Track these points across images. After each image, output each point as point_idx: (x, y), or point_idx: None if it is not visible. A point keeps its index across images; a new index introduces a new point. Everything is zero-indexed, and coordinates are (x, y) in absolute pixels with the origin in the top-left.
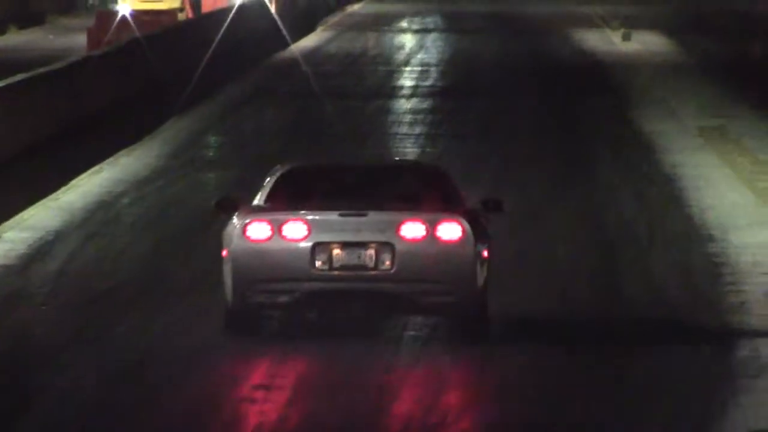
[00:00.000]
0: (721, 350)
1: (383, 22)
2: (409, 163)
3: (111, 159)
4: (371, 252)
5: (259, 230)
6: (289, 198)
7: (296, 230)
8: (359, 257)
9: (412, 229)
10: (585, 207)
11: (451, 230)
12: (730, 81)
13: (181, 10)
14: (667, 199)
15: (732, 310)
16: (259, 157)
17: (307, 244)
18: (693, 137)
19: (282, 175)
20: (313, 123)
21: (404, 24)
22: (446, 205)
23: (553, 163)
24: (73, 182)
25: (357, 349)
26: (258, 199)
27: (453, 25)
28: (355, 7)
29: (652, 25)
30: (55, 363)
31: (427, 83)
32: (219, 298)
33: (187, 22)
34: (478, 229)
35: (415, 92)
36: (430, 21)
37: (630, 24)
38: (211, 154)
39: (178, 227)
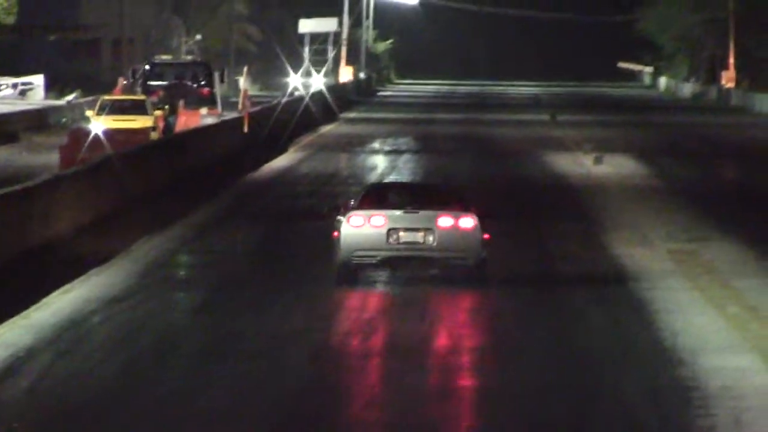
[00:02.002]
0: None
1: (355, 143)
2: (442, 184)
3: (82, 277)
4: (422, 234)
5: (356, 220)
6: (372, 202)
7: (378, 221)
8: (414, 237)
9: (445, 221)
10: (556, 331)
11: (467, 222)
12: (700, 205)
13: (154, 129)
14: (637, 322)
15: None
16: (230, 277)
17: (384, 229)
18: (664, 261)
19: (367, 190)
20: (285, 244)
21: (376, 145)
22: (464, 208)
23: (524, 287)
24: (44, 300)
25: (409, 290)
26: (353, 204)
27: (425, 146)
28: (328, 128)
29: (623, 149)
30: None
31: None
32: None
33: (160, 141)
34: (482, 223)
35: None
36: (402, 142)
37: (602, 148)
38: (182, 273)
39: (148, 347)
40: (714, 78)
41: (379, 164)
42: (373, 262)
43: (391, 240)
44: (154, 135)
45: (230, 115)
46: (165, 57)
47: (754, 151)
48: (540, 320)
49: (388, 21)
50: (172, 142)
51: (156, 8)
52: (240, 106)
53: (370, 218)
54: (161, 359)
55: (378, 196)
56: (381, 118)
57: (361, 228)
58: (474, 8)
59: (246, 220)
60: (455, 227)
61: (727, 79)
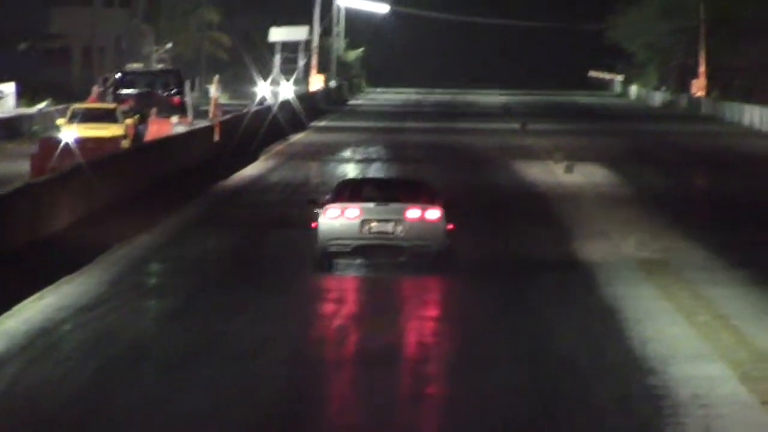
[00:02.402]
0: None
1: (326, 152)
2: (410, 179)
3: (53, 285)
4: (391, 224)
5: (332, 212)
6: (348, 194)
7: (352, 213)
8: (385, 227)
9: (413, 213)
10: (525, 339)
11: (433, 214)
12: (670, 213)
13: (125, 137)
14: (607, 331)
15: None
16: (202, 284)
17: (358, 220)
18: (634, 270)
19: (341, 185)
20: (256, 252)
21: (347, 153)
22: (430, 200)
23: (493, 296)
24: (15, 308)
25: (379, 274)
26: (330, 197)
27: (396, 154)
28: (299, 136)
29: (594, 157)
30: None
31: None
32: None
33: (131, 150)
34: (446, 214)
35: None
36: (373, 151)
37: (572, 156)
38: (153, 281)
39: (120, 354)
40: (684, 87)
41: (349, 173)
42: (347, 250)
43: (363, 230)
44: (124, 143)
45: (201, 124)
46: (136, 65)
47: (724, 160)
48: (508, 329)
49: (358, 29)
50: (143, 151)
51: (126, 16)
52: (211, 115)
53: (344, 210)
54: (133, 366)
55: (351, 190)
56: (352, 126)
57: (336, 219)
58: (444, 17)
59: (217, 228)
60: (422, 218)
61: (698, 87)
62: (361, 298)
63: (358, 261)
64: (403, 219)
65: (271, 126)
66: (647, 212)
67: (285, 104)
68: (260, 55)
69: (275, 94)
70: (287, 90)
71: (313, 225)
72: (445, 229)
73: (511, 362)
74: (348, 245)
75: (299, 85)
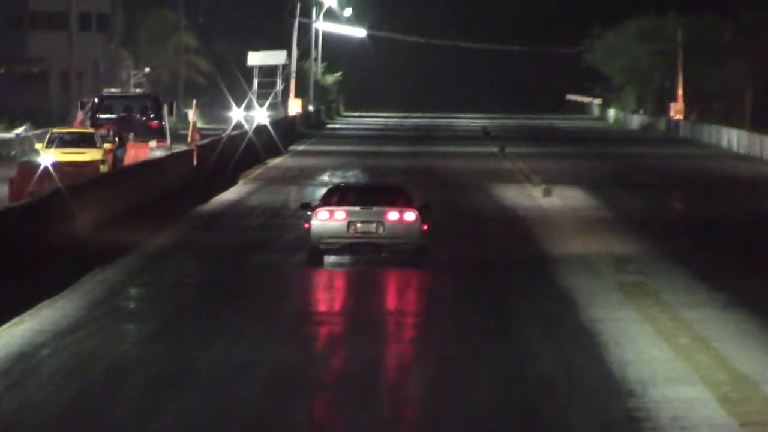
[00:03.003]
0: None
1: (305, 176)
2: (391, 185)
3: (32, 310)
4: (374, 225)
5: (323, 215)
6: (336, 199)
7: (340, 215)
8: (368, 227)
9: (392, 215)
10: (504, 363)
11: (410, 216)
12: (649, 236)
13: (103, 162)
14: (587, 354)
15: None
16: (181, 308)
17: (345, 222)
18: (613, 293)
19: (329, 190)
20: (234, 276)
21: (325, 177)
22: (408, 204)
23: (473, 319)
24: None
25: (365, 269)
26: (320, 202)
27: (374, 178)
28: (277, 161)
29: (573, 180)
30: None
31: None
32: None
33: (109, 174)
34: (422, 216)
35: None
36: (351, 175)
37: (551, 180)
38: (131, 306)
39: (99, 378)
40: (662, 110)
41: None
42: (336, 247)
43: (350, 230)
44: (103, 168)
45: (179, 148)
46: (114, 90)
47: (703, 182)
48: (488, 352)
49: (336, 53)
50: (121, 175)
51: (104, 41)
52: (189, 139)
53: (333, 213)
54: (112, 390)
55: (339, 196)
56: (330, 150)
57: (326, 221)
58: (422, 41)
59: (196, 252)
60: (400, 220)
61: (676, 110)
62: (340, 322)
63: (347, 256)
64: (384, 221)
65: (249, 150)
66: (626, 235)
67: (260, 129)
68: (238, 80)
69: (249, 119)
70: (261, 115)
71: (306, 226)
72: (421, 228)
73: (489, 385)
74: (337, 243)
75: (277, 110)
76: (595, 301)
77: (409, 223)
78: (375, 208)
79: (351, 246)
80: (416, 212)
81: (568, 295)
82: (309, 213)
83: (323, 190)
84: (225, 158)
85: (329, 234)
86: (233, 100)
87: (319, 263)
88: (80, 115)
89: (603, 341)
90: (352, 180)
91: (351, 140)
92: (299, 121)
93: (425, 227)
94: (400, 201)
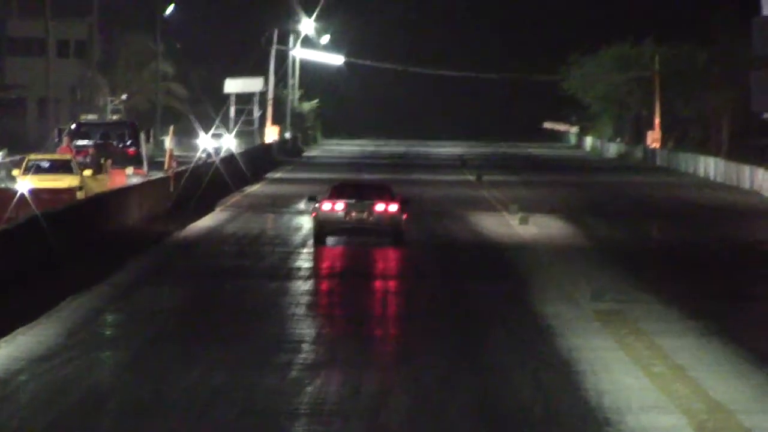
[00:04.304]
0: None
1: (281, 203)
2: (380, 183)
3: (8, 336)
4: (366, 214)
5: (326, 206)
6: (337, 194)
7: (340, 206)
8: (361, 215)
9: (379, 206)
10: (480, 391)
11: (393, 207)
12: (626, 264)
13: (80, 188)
14: (563, 382)
15: None
16: (156, 336)
17: (343, 211)
18: (590, 321)
19: (334, 186)
20: (210, 302)
21: (302, 205)
22: (392, 198)
23: (448, 347)
24: None
25: (357, 246)
26: (325, 196)
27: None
28: (254, 188)
29: (549, 209)
30: None
31: (324, 265)
32: None
33: (86, 201)
34: (403, 207)
35: (312, 273)
36: None
37: (528, 208)
38: (109, 332)
39: (75, 405)
40: (639, 138)
41: (304, 225)
42: (336, 230)
43: (347, 217)
44: (80, 194)
45: (156, 175)
46: (91, 116)
47: (679, 211)
48: (462, 380)
49: (313, 81)
50: (98, 202)
51: (81, 67)
52: (166, 166)
53: (335, 204)
54: (88, 417)
55: (339, 191)
56: (307, 178)
57: (329, 210)
58: (399, 68)
59: (173, 279)
60: (386, 210)
61: (653, 139)
62: (318, 349)
63: (344, 237)
64: (373, 211)
65: (223, 178)
66: (602, 263)
67: (229, 157)
68: (216, 107)
69: (217, 147)
70: (230, 142)
71: (313, 214)
72: (401, 217)
73: (464, 413)
74: (336, 227)
75: (254, 137)
76: (571, 329)
77: (393, 213)
78: (366, 201)
79: (347, 229)
80: (398, 204)
81: (544, 323)
82: (316, 204)
83: (300, 218)
84: (201, 185)
85: (331, 220)
86: (211, 127)
87: (323, 242)
88: (66, 140)
89: (579, 369)
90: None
91: (328, 168)
92: (276, 149)
93: (405, 216)
94: (386, 196)
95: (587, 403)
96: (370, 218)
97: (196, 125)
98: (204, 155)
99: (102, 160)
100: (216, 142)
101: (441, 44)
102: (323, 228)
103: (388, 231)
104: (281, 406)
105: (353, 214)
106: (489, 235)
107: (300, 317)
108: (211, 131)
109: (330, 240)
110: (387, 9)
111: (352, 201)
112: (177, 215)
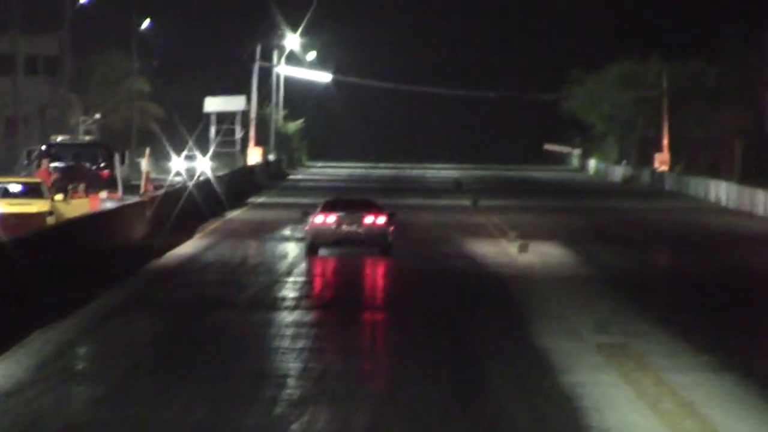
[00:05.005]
0: None
1: (265, 230)
2: (367, 199)
3: None
4: (355, 226)
5: (319, 219)
6: (329, 208)
7: (331, 219)
8: (351, 228)
9: (368, 219)
10: (479, 428)
11: (381, 220)
12: (631, 294)
13: (50, 213)
14: (565, 420)
15: None
16: (132, 369)
17: (335, 224)
18: (593, 355)
19: (325, 202)
20: (190, 335)
21: (287, 232)
22: (380, 211)
23: (445, 383)
24: None
25: (347, 258)
26: (318, 210)
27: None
28: (235, 213)
29: (550, 236)
30: None
31: (311, 294)
32: None
33: (57, 226)
34: (390, 221)
35: (298, 304)
36: None
37: (527, 235)
38: (80, 366)
39: None
40: (646, 160)
41: (290, 252)
42: (328, 241)
43: (338, 230)
44: (50, 220)
45: (132, 199)
46: (62, 137)
47: (689, 238)
48: (461, 417)
49: (299, 99)
50: (70, 227)
51: (52, 85)
52: (142, 190)
53: (326, 217)
54: None
55: (331, 205)
56: (292, 203)
57: (321, 223)
58: (390, 86)
59: (150, 310)
60: (374, 223)
61: (661, 161)
62: (303, 384)
63: (336, 248)
64: (362, 223)
65: (200, 203)
66: (607, 294)
67: (205, 181)
68: (194, 127)
69: (190, 170)
70: (204, 165)
71: (306, 228)
72: (388, 229)
73: None
74: (328, 238)
75: (236, 159)
76: (574, 364)
77: (381, 225)
78: (356, 214)
79: (338, 241)
80: (386, 217)
81: (545, 357)
82: (309, 218)
83: (285, 245)
84: (182, 210)
85: (323, 232)
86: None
87: (315, 253)
88: (44, 163)
89: (583, 406)
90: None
91: (314, 192)
92: (259, 172)
93: (392, 228)
94: (374, 209)
95: None
96: (360, 230)
97: (168, 147)
98: (178, 179)
99: (70, 185)
100: (189, 165)
101: (435, 61)
102: (316, 240)
103: (376, 242)
104: None
105: (344, 226)
106: (486, 263)
107: (285, 350)
108: (184, 153)
109: (318, 267)
110: (376, 24)
111: (343, 214)
112: (154, 242)
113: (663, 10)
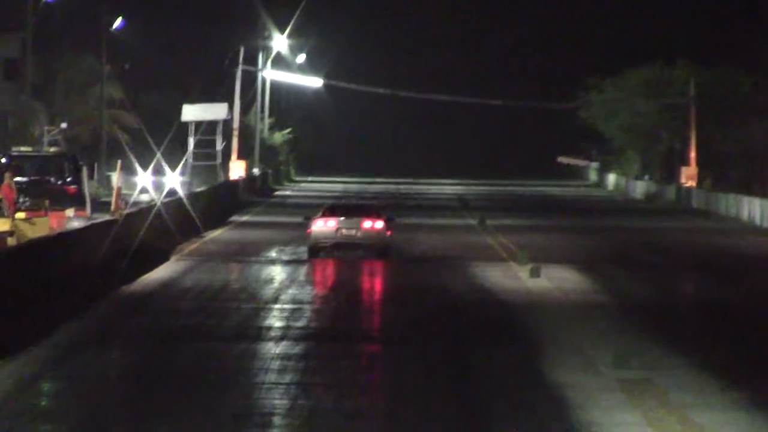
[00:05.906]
0: None
1: (249, 251)
2: (367, 204)
3: None
4: (354, 230)
5: (319, 223)
6: (329, 213)
7: (331, 223)
8: (350, 232)
9: (366, 224)
10: None
11: (378, 224)
12: (654, 324)
13: (11, 233)
14: None
15: None
16: (102, 407)
17: (334, 228)
18: (613, 392)
19: (326, 207)
20: (165, 368)
21: (273, 254)
22: (378, 216)
23: (447, 422)
24: None
25: (347, 262)
26: (318, 215)
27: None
28: (216, 233)
29: (565, 259)
30: None
31: (300, 324)
32: None
33: (17, 248)
34: (387, 225)
35: (285, 334)
36: (303, 250)
37: (539, 258)
38: (44, 403)
39: None
40: (671, 175)
41: (275, 276)
42: (328, 245)
43: (337, 234)
44: (11, 241)
45: (101, 218)
46: (24, 148)
47: (719, 262)
48: None
49: (287, 107)
50: (33, 249)
51: (13, 91)
52: (113, 207)
53: (326, 222)
54: None
55: (331, 211)
56: (278, 222)
57: (321, 228)
58: (387, 92)
59: (121, 341)
60: (372, 227)
61: (688, 176)
62: (289, 423)
63: (335, 252)
64: (361, 227)
65: (186, 220)
66: (627, 324)
67: (175, 200)
68: (173, 137)
69: (158, 186)
70: (174, 180)
71: (308, 231)
72: (386, 234)
73: None
74: (328, 242)
75: (216, 173)
76: (592, 402)
77: (378, 230)
78: (354, 219)
79: (338, 245)
80: (384, 222)
81: (559, 394)
82: (310, 222)
83: (271, 268)
84: (157, 230)
85: (323, 236)
86: (173, 162)
87: (316, 256)
88: (7, 177)
89: None
90: (303, 257)
91: (303, 210)
92: (242, 187)
93: (389, 233)
94: (372, 214)
95: None
96: (358, 234)
97: (134, 161)
98: (144, 196)
99: (25, 201)
100: (161, 180)
101: (437, 66)
102: (316, 243)
103: (374, 246)
104: None
105: (343, 230)
106: (494, 289)
107: (271, 386)
108: (150, 167)
109: (308, 293)
110: (374, 25)
111: (342, 218)
112: (126, 265)
113: (684, 14)
